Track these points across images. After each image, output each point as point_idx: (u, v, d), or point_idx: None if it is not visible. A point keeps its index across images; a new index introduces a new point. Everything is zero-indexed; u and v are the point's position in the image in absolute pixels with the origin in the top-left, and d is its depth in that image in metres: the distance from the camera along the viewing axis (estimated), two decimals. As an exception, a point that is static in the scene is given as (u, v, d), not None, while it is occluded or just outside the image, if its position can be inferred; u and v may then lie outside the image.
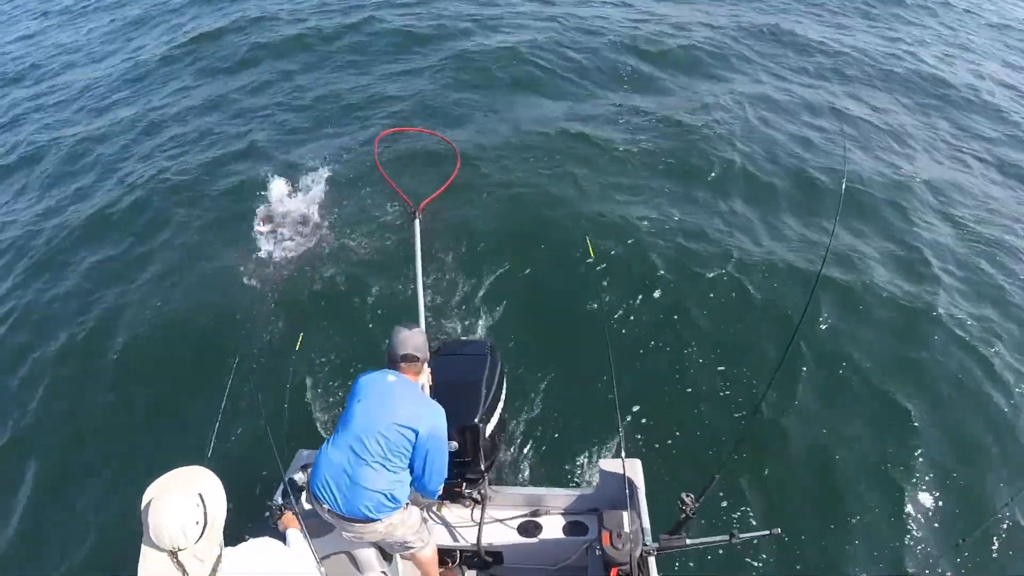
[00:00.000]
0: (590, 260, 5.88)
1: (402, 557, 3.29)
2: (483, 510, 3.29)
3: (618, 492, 2.99)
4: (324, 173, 7.65)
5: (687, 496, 2.56)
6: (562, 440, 4.80)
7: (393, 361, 2.90)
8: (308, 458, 3.21)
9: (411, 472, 2.83)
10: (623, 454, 3.03)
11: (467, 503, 3.36)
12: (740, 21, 11.48)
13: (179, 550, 1.87)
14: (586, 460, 4.66)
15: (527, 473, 4.58)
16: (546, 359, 5.38)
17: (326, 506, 2.77)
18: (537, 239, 6.63)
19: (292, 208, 7.19)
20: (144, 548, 1.91)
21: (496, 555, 3.32)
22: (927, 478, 4.58)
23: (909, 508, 4.41)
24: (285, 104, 9.49)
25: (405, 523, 2.89)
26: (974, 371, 5.31)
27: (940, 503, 4.45)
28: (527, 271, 6.28)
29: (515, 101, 9.07)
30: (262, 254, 6.62)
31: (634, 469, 3.13)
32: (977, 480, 4.58)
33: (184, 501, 1.88)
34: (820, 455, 4.69)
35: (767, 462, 4.60)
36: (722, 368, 5.28)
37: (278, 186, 7.41)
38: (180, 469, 2.03)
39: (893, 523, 4.34)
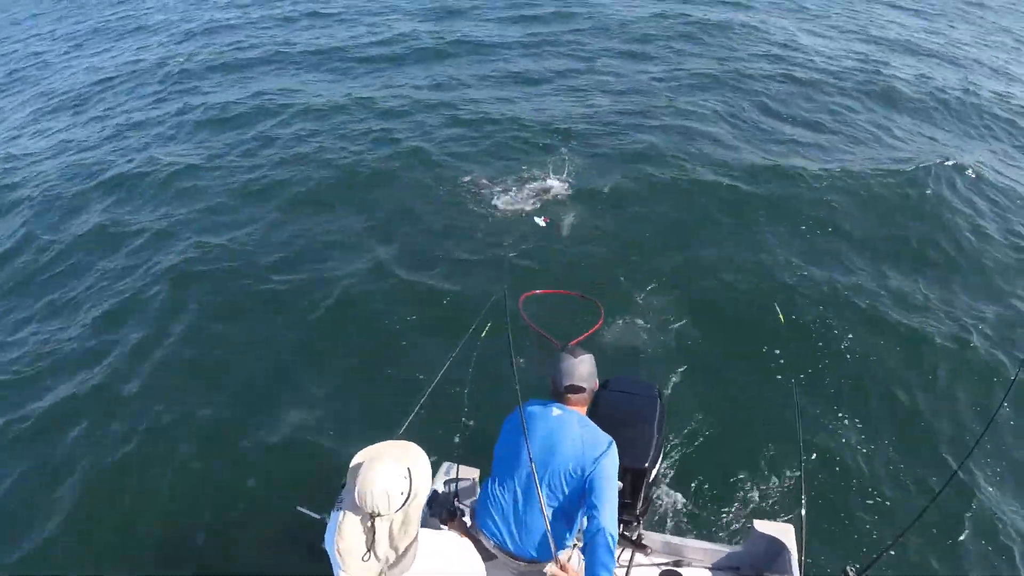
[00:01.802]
0: (782, 325, 5.72)
1: None
2: (632, 554, 3.21)
3: (768, 555, 2.84)
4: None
5: (851, 568, 2.44)
6: (711, 491, 4.67)
7: (558, 392, 2.70)
8: (450, 472, 3.31)
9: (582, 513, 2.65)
10: (803, 517, 2.85)
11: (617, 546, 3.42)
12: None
13: (377, 515, 1.89)
14: (731, 516, 4.52)
15: (670, 519, 4.49)
16: (713, 409, 5.26)
17: (493, 541, 2.70)
18: (716, 308, 6.42)
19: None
20: (344, 513, 1.95)
21: None
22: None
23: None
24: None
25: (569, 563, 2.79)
26: None
27: None
28: (704, 336, 6.07)
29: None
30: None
31: (791, 535, 3.03)
32: None
33: (395, 469, 1.90)
34: (998, 547, 4.37)
35: (937, 545, 4.33)
36: (908, 444, 5.05)
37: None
38: (396, 440, 2.09)
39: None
